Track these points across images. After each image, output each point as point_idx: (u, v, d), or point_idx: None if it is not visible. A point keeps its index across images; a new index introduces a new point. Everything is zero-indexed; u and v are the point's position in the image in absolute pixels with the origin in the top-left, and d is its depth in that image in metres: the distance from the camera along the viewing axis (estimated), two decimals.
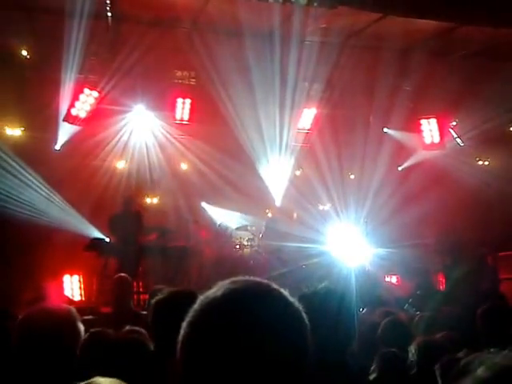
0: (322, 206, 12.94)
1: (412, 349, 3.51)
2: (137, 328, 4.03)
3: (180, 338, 1.20)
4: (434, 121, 12.19)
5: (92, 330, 4.26)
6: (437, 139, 12.21)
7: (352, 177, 13.10)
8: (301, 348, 1.20)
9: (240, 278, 1.25)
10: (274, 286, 1.24)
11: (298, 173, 13.22)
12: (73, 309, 2.74)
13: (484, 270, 11.00)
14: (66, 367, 2.52)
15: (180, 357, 1.19)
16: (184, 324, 1.20)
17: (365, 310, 6.51)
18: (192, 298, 1.30)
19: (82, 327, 2.67)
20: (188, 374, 1.17)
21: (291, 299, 1.23)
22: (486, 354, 1.10)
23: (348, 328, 2.58)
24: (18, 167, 10.30)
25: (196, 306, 1.21)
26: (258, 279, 1.25)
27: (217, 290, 1.21)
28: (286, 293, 1.24)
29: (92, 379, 1.97)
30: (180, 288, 2.94)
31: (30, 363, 2.50)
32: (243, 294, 1.19)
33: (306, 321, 1.23)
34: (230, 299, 1.18)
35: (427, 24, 10.38)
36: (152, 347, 2.87)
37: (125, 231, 9.94)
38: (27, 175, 10.37)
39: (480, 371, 1.03)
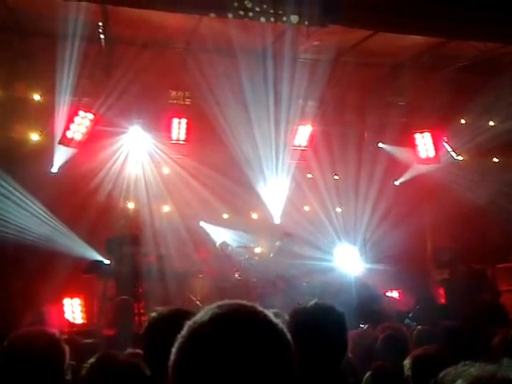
0: (321, 224, 12.89)
1: (407, 363, 3.51)
2: (138, 350, 4.02)
3: (170, 364, 1.23)
4: (428, 135, 12.19)
5: (100, 352, 4.24)
6: (431, 153, 12.20)
7: (348, 193, 13.06)
8: (286, 369, 1.22)
9: (226, 302, 1.29)
10: (259, 309, 1.28)
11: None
12: (57, 332, 2.75)
13: (483, 283, 11.00)
14: None
15: (171, 381, 1.22)
16: (173, 350, 1.24)
17: (366, 325, 6.51)
18: (184, 316, 1.33)
19: (67, 350, 2.67)
20: None
21: (275, 322, 1.26)
22: (462, 366, 1.12)
23: (338, 341, 2.60)
24: (14, 191, 10.28)
25: (183, 332, 1.24)
26: (243, 303, 1.29)
27: (203, 315, 1.25)
28: (270, 315, 1.27)
29: None
30: (170, 308, 2.93)
31: None
32: (229, 319, 1.23)
33: (290, 342, 1.26)
34: (216, 324, 1.21)
35: (418, 39, 10.49)
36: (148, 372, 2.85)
37: (122, 253, 9.93)
38: (25, 199, 10.35)
39: (458, 383, 1.05)
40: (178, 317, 2.06)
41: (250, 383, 1.17)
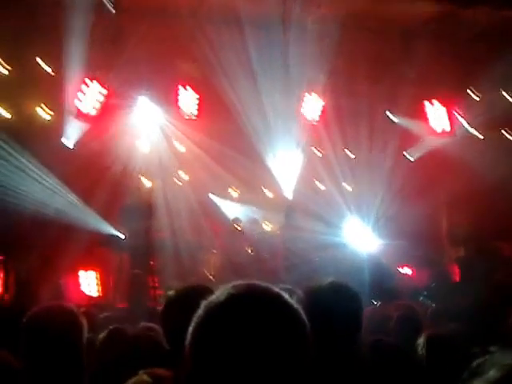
0: (333, 199, 12.85)
1: (420, 343, 3.51)
2: (151, 325, 4.08)
3: (186, 342, 1.26)
4: (441, 107, 11.89)
5: (110, 327, 4.32)
6: (446, 126, 11.93)
7: (361, 168, 12.97)
8: (301, 350, 1.24)
9: (241, 282, 1.30)
10: (275, 289, 1.29)
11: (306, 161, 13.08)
12: (75, 308, 2.81)
13: (498, 261, 10.92)
14: (72, 363, 2.59)
15: (187, 360, 1.25)
16: (189, 329, 1.26)
17: (378, 303, 6.52)
18: (202, 293, 1.34)
19: (85, 325, 2.73)
20: (195, 377, 1.23)
21: (291, 302, 1.28)
22: (498, 354, 1.11)
23: (353, 321, 2.61)
24: (31, 165, 10.35)
25: (200, 311, 1.27)
26: (259, 283, 1.30)
27: (219, 295, 1.27)
28: (285, 296, 1.28)
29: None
30: (190, 284, 2.94)
31: (36, 361, 2.57)
32: (244, 300, 1.24)
33: (306, 323, 1.27)
34: (231, 305, 1.23)
35: (428, 7, 10.30)
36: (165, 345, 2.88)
37: (137, 227, 10.01)
38: (41, 173, 10.41)
39: (492, 372, 1.04)
40: (194, 295, 2.08)
41: (265, 364, 1.18)
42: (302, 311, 1.28)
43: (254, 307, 1.23)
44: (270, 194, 12.80)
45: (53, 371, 2.54)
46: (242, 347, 1.18)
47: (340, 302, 2.55)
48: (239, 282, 1.30)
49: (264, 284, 1.30)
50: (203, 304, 1.27)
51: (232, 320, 1.21)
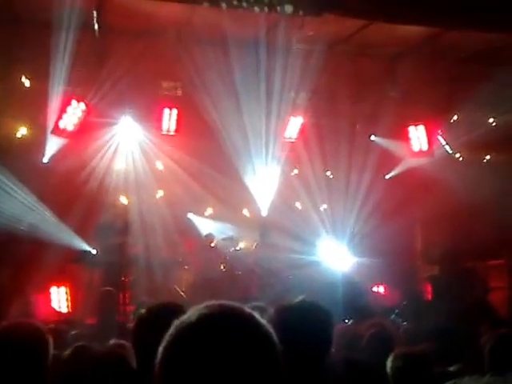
0: (309, 217, 12.88)
1: (389, 362, 3.51)
2: (122, 342, 4.02)
3: (157, 361, 1.24)
4: (422, 128, 11.96)
5: (76, 344, 4.25)
6: (425, 146, 11.99)
7: (338, 186, 13.06)
8: (273, 372, 1.23)
9: (213, 302, 1.29)
10: (246, 310, 1.28)
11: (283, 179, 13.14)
12: (41, 325, 2.78)
13: (473, 280, 10.99)
14: (35, 379, 2.57)
15: (156, 380, 1.23)
16: (160, 348, 1.24)
17: (350, 321, 6.50)
18: (174, 312, 1.31)
19: (51, 342, 2.69)
20: None
21: (263, 323, 1.27)
22: (466, 380, 1.08)
23: (323, 340, 2.61)
24: (5, 180, 10.23)
25: (171, 330, 1.25)
26: (231, 304, 1.29)
27: (190, 315, 1.25)
28: (257, 317, 1.28)
29: None
30: (162, 302, 2.92)
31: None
32: (215, 321, 1.23)
33: (278, 344, 1.26)
34: (203, 325, 1.22)
35: (414, 30, 10.40)
36: (134, 363, 2.85)
37: (109, 243, 9.93)
38: (15, 188, 10.29)
39: None
40: (166, 314, 2.07)
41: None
42: (273, 332, 1.27)
43: (225, 328, 1.22)
44: (246, 212, 12.78)
45: None
46: (212, 368, 1.17)
47: (310, 320, 2.56)
48: (212, 301, 1.29)
49: (236, 304, 1.29)
50: (175, 323, 1.26)
51: (203, 340, 1.19)
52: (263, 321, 1.28)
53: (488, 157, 13.18)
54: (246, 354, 1.19)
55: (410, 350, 3.65)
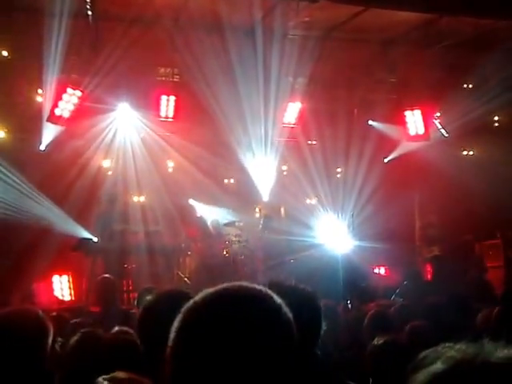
0: (309, 201, 12.95)
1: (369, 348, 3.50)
2: (125, 328, 4.04)
3: (169, 343, 1.24)
4: (418, 112, 12.09)
5: (82, 330, 4.27)
6: (421, 130, 12.12)
7: (338, 170, 13.14)
8: (285, 349, 1.23)
9: (223, 284, 1.28)
10: (257, 288, 1.27)
11: (284, 168, 13.21)
12: (40, 311, 2.74)
13: (470, 259, 11.09)
14: (34, 367, 2.54)
15: (168, 362, 1.23)
16: (172, 330, 1.24)
17: (351, 302, 6.56)
18: (182, 298, 1.32)
19: (51, 328, 2.67)
20: (176, 379, 1.22)
21: (275, 301, 1.26)
22: (443, 347, 1.08)
23: (311, 325, 2.46)
24: (2, 169, 10.21)
25: (180, 317, 1.25)
26: (240, 283, 1.28)
27: (200, 297, 1.25)
28: (269, 294, 1.26)
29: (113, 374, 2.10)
30: (169, 288, 2.92)
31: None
32: (226, 301, 1.23)
33: (292, 322, 1.26)
34: (211, 308, 1.22)
35: (409, 16, 10.38)
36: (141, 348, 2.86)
37: (110, 229, 9.94)
38: (13, 177, 10.28)
39: (437, 365, 1.01)
40: (173, 301, 2.08)
41: (247, 365, 1.17)
42: (287, 308, 1.26)
43: (236, 307, 1.21)
44: (247, 197, 12.80)
45: (14, 375, 2.51)
46: (225, 349, 1.16)
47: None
48: (225, 284, 1.28)
49: (250, 285, 1.29)
50: (183, 310, 1.25)
51: (214, 322, 1.19)
52: (277, 297, 1.27)
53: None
54: (257, 333, 1.19)
55: (392, 337, 3.60)
